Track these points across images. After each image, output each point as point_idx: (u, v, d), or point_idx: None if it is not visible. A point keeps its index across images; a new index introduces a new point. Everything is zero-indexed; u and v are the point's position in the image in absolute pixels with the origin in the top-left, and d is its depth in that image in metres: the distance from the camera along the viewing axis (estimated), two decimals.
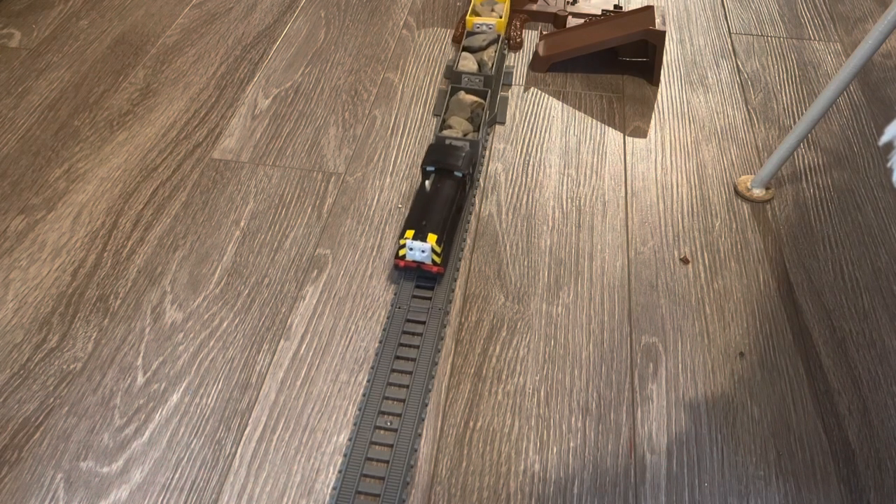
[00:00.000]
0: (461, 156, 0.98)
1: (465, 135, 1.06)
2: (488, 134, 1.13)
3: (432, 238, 0.88)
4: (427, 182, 0.97)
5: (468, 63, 1.19)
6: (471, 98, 1.09)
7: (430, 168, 0.98)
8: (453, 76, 1.16)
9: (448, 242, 0.91)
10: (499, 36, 1.25)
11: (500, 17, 1.29)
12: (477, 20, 1.28)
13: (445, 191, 0.95)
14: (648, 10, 1.24)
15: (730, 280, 0.94)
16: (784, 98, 1.23)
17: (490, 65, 1.18)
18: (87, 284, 0.90)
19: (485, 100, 1.11)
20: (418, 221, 0.90)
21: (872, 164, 1.11)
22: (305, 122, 1.15)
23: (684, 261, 0.96)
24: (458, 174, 0.97)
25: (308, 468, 0.74)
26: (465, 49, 1.23)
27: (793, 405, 0.81)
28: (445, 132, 1.05)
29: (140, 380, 0.81)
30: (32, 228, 0.97)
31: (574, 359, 0.85)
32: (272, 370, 0.82)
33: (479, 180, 1.04)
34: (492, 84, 1.16)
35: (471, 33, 1.27)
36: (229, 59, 1.27)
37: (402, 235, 0.89)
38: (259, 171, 1.06)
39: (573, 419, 0.79)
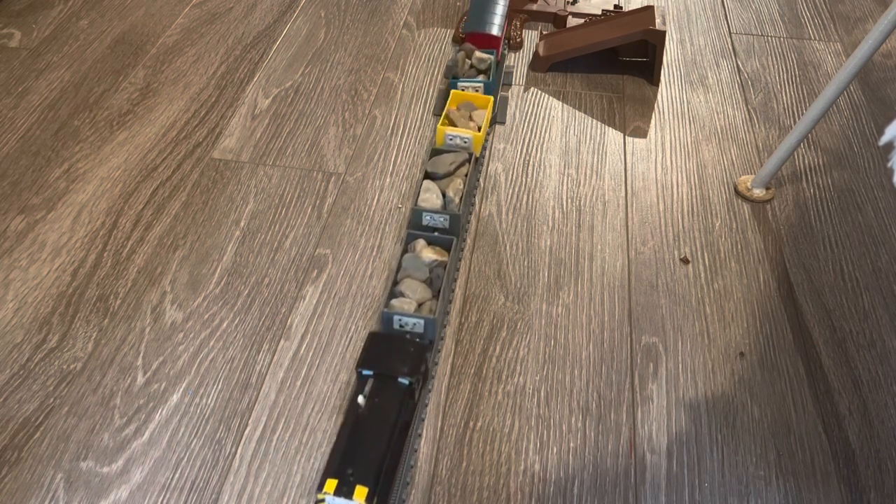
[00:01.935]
0: (410, 352, 0.73)
1: (420, 306, 0.82)
2: (488, 134, 1.13)
3: (361, 493, 0.63)
4: (361, 397, 0.70)
5: (430, 196, 0.93)
6: (430, 255, 0.85)
7: (366, 372, 0.72)
8: (412, 216, 0.93)
9: (386, 488, 0.66)
10: (471, 155, 0.99)
11: (479, 130, 1.04)
12: (450, 131, 1.02)
13: (386, 408, 0.69)
14: (648, 9, 1.24)
15: (730, 280, 0.94)
16: (784, 98, 1.23)
17: (458, 200, 0.92)
18: (87, 284, 0.90)
19: (449, 251, 0.87)
20: (343, 465, 0.65)
21: (872, 164, 1.11)
22: (305, 122, 1.15)
23: (684, 261, 0.96)
24: (406, 381, 0.71)
25: (308, 468, 0.74)
26: (428, 176, 0.97)
27: (793, 405, 0.81)
28: (395, 303, 0.81)
29: (140, 380, 0.81)
30: (32, 228, 0.97)
31: (574, 359, 0.85)
32: (272, 370, 0.82)
33: (479, 180, 1.00)
34: (458, 226, 0.91)
35: (438, 151, 1.00)
36: (229, 59, 1.27)
37: (320, 486, 0.64)
38: (259, 171, 1.06)
39: (573, 419, 0.79)
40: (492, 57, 1.15)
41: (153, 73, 1.23)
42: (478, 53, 1.16)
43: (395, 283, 0.84)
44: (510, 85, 1.24)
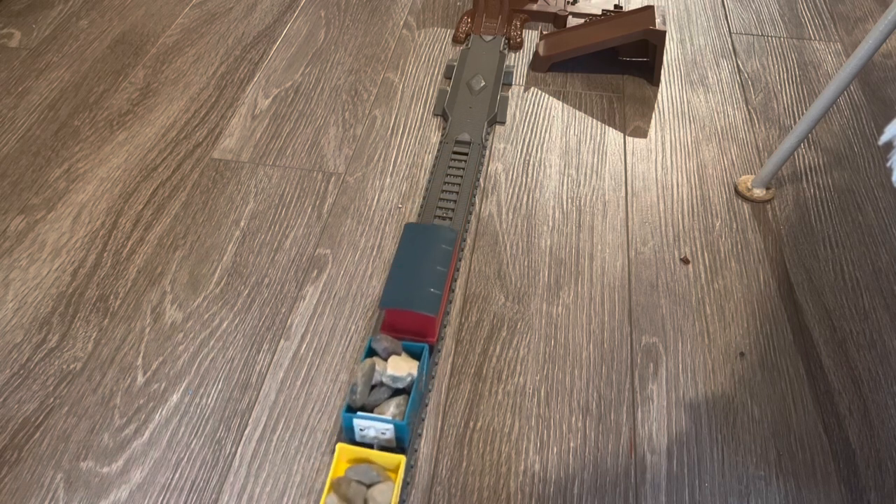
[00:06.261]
0: None
1: None
2: (488, 134, 1.13)
3: None
4: None
5: None
6: None
7: None
8: None
9: None
10: None
11: (394, 492, 0.65)
12: None
13: None
14: (648, 9, 1.24)
15: (730, 280, 0.94)
16: (784, 98, 1.23)
17: None
18: (87, 284, 0.90)
19: None
20: None
21: (873, 164, 1.11)
22: (305, 122, 1.15)
23: (684, 261, 0.96)
24: None
25: (308, 468, 0.74)
26: None
27: (793, 405, 0.81)
28: None
29: (140, 380, 0.81)
30: (32, 228, 0.97)
31: (574, 359, 0.84)
32: (272, 370, 0.82)
33: (479, 180, 1.01)
34: None
35: None
36: (229, 59, 1.27)
37: None
38: (259, 171, 1.06)
39: (573, 419, 0.79)
40: (415, 367, 0.72)
41: (153, 73, 1.23)
42: (393, 366, 0.69)
43: None
44: (510, 85, 1.24)
